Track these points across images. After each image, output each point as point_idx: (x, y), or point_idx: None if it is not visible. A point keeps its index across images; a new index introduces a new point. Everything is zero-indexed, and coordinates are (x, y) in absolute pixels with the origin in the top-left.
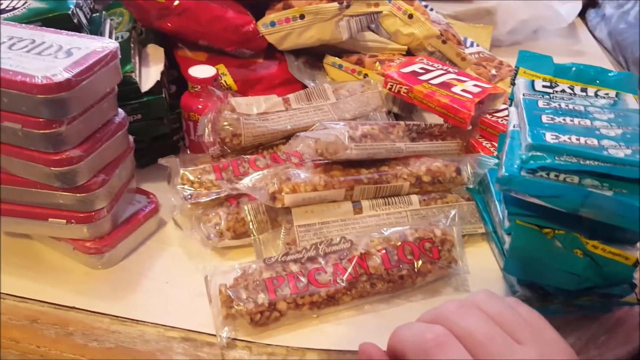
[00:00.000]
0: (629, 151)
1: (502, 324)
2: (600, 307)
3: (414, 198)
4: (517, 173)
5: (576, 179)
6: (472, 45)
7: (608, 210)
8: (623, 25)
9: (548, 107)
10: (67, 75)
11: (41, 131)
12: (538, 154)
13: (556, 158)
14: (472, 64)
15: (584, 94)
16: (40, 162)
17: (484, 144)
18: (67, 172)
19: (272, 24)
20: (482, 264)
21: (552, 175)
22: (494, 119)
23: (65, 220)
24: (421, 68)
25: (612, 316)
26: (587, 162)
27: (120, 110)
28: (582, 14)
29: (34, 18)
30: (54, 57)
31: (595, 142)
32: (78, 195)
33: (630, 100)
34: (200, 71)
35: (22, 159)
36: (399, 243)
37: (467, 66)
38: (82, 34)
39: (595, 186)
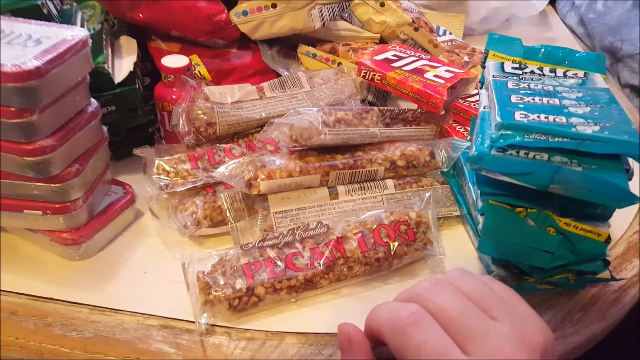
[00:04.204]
0: (597, 127)
1: (476, 301)
2: (575, 284)
3: (389, 182)
4: (487, 151)
5: (545, 156)
6: (444, 33)
7: (577, 186)
8: (591, 15)
9: (517, 87)
10: (36, 63)
11: (13, 120)
12: (508, 132)
13: (525, 136)
14: (445, 51)
15: (553, 74)
16: (13, 152)
17: (457, 128)
18: (40, 161)
19: (244, 13)
20: (457, 245)
21: (521, 153)
22: (466, 103)
23: (41, 212)
24: (394, 55)
25: (587, 293)
26: (556, 139)
27: (93, 100)
28: (552, 3)
29: (3, 9)
30: (23, 46)
31: (563, 119)
32: (53, 185)
33: (598, 79)
34: (173, 61)
35: None
36: (375, 226)
37: (439, 53)
38: (51, 23)
39: (564, 162)
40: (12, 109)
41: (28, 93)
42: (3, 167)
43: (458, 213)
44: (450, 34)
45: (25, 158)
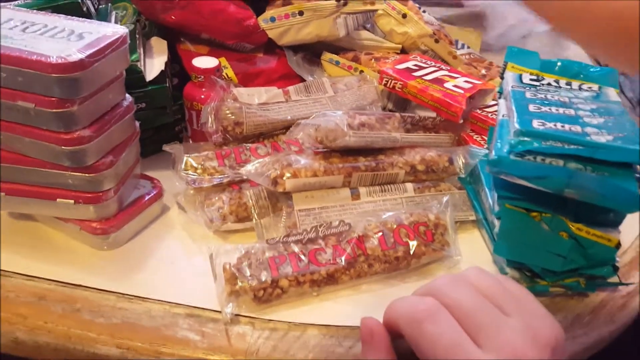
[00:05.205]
0: (610, 137)
1: (490, 298)
2: (585, 288)
3: (409, 186)
4: (506, 156)
5: (561, 162)
6: (462, 47)
7: (591, 190)
8: None
9: (535, 97)
10: (80, 56)
11: (53, 110)
12: (525, 139)
13: (542, 142)
14: (464, 64)
15: (569, 87)
16: (51, 141)
17: (474, 137)
18: (77, 151)
19: (272, 19)
20: (473, 249)
21: (538, 159)
22: (484, 113)
23: (73, 201)
24: (415, 65)
25: (597, 298)
26: (572, 146)
27: (127, 95)
28: None
29: (44, 5)
30: (67, 40)
31: (579, 128)
32: (87, 175)
33: (611, 93)
34: (204, 62)
35: (33, 138)
36: (395, 226)
37: (458, 64)
38: (91, 20)
39: (579, 169)
40: (54, 99)
41: (71, 84)
42: (40, 155)
43: (474, 218)
44: (468, 47)
45: (63, 147)
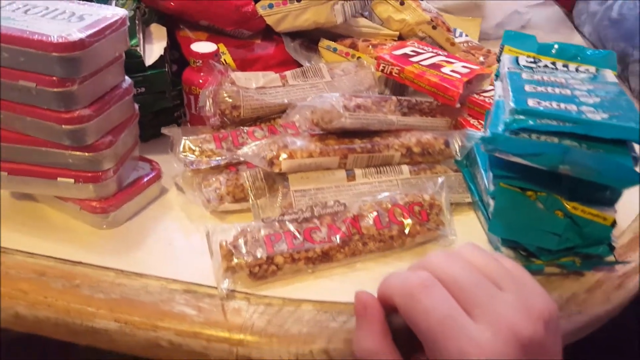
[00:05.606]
0: (605, 115)
1: (485, 272)
2: (581, 267)
3: (405, 168)
4: (501, 133)
5: (556, 139)
6: (460, 35)
7: (586, 166)
8: (606, 22)
9: (531, 79)
10: (81, 36)
11: (54, 89)
12: (521, 117)
13: (537, 120)
14: (461, 51)
15: (566, 69)
16: (52, 120)
17: (472, 122)
18: (77, 130)
19: (270, 5)
20: (469, 230)
21: (533, 136)
22: (481, 98)
23: (73, 180)
24: (412, 51)
25: (592, 278)
26: (567, 124)
27: (126, 77)
28: (569, 12)
29: None
30: (67, 21)
31: (574, 107)
32: (87, 154)
33: (609, 75)
34: (202, 47)
35: (34, 117)
36: (390, 206)
37: (456, 51)
38: (92, 2)
39: (574, 146)
40: (55, 78)
41: (71, 63)
42: (41, 135)
43: (470, 200)
44: (467, 36)
45: (63, 126)
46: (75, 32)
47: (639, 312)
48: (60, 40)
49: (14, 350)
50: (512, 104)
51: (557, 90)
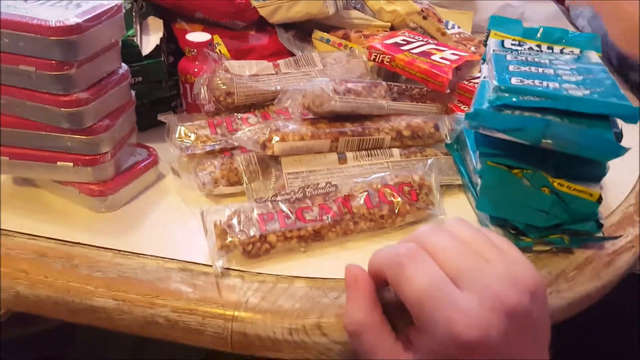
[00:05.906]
0: (587, 91)
1: (472, 245)
2: (569, 244)
3: (395, 151)
4: (484, 109)
5: (539, 115)
6: (453, 27)
7: (568, 140)
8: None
9: (515, 59)
10: (78, 20)
11: (53, 73)
12: (504, 94)
13: (520, 97)
14: (453, 41)
15: (550, 51)
16: (51, 103)
17: (462, 107)
18: (75, 113)
19: None
20: (458, 211)
21: (516, 112)
22: (471, 84)
23: (72, 163)
24: (403, 40)
25: (582, 255)
26: (548, 100)
27: (123, 64)
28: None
29: None
30: (64, 9)
31: (556, 85)
32: (85, 137)
33: (593, 56)
34: (197, 36)
35: (33, 101)
36: (380, 186)
37: (447, 41)
38: None
39: (555, 121)
40: (53, 61)
41: (69, 47)
42: (40, 118)
43: (460, 182)
44: (459, 27)
45: (61, 109)
46: (73, 17)
47: (632, 292)
48: (58, 24)
49: (14, 350)
50: (495, 82)
51: (540, 70)
